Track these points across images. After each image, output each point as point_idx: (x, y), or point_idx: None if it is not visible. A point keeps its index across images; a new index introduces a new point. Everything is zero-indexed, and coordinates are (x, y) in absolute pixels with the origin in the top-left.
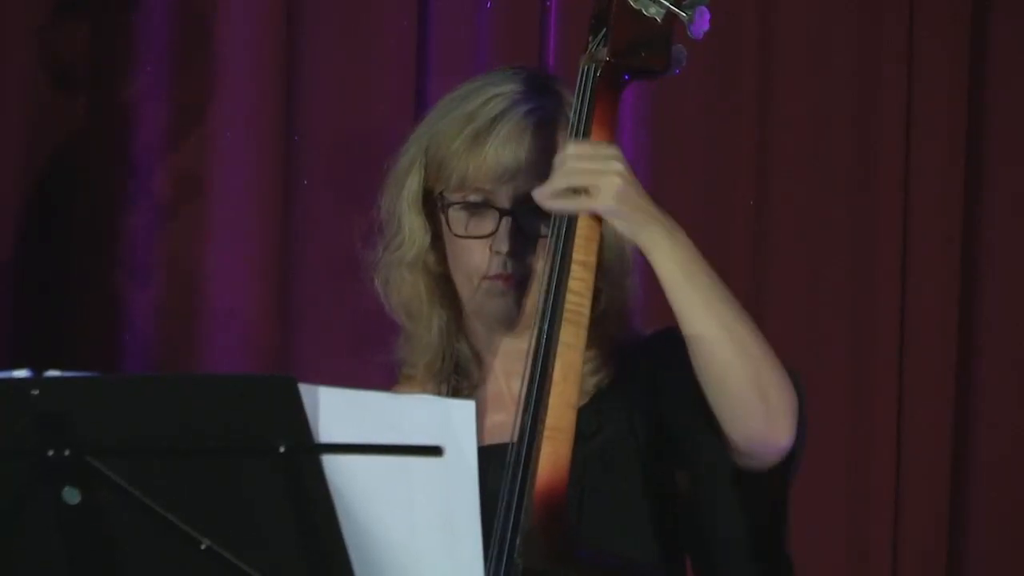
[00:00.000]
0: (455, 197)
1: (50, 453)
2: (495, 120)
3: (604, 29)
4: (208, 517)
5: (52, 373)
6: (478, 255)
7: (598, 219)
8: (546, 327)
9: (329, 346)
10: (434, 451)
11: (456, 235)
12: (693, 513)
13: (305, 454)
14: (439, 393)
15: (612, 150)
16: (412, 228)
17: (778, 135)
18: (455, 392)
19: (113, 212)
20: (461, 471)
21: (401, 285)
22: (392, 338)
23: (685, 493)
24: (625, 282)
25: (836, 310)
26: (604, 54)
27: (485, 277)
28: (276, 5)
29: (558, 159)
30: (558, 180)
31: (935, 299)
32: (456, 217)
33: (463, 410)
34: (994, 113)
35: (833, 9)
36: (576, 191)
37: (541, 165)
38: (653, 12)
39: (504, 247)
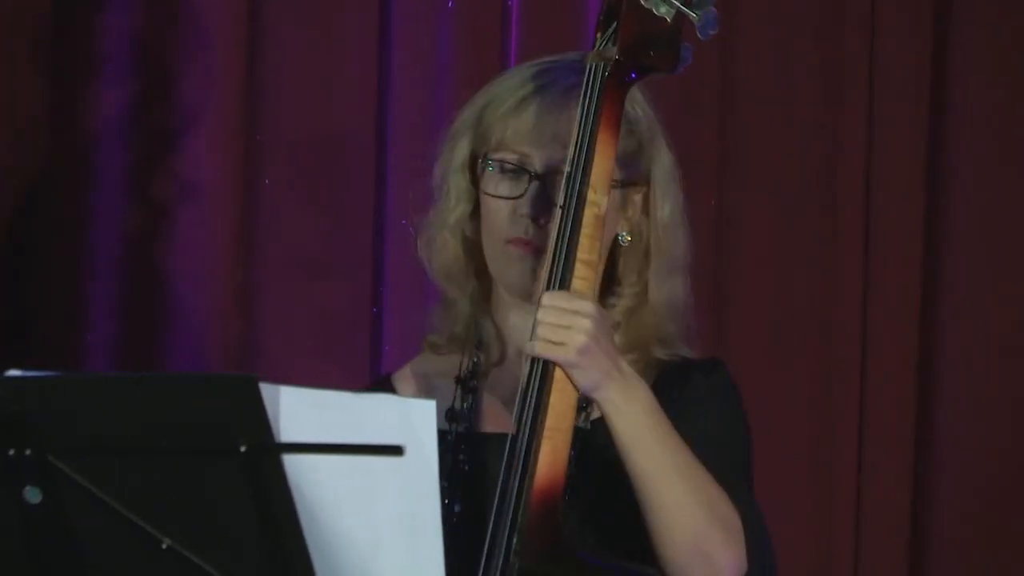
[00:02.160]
0: (494, 156)
1: (11, 452)
2: (542, 87)
3: (613, 26)
4: (169, 516)
5: (13, 372)
6: (504, 216)
7: (601, 218)
8: None
9: (291, 345)
10: (395, 450)
11: (487, 193)
12: None
13: (266, 453)
14: (459, 369)
15: (585, 305)
16: (458, 191)
17: (739, 136)
18: (474, 370)
19: (74, 211)
20: (422, 470)
21: (442, 248)
22: (354, 336)
23: None
24: (670, 280)
25: (799, 311)
26: (613, 52)
27: (507, 241)
28: (240, 5)
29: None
30: (537, 332)
31: (898, 298)
32: (490, 177)
33: (424, 409)
34: (956, 113)
35: (795, 11)
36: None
37: None
38: (663, 12)
39: (527, 209)
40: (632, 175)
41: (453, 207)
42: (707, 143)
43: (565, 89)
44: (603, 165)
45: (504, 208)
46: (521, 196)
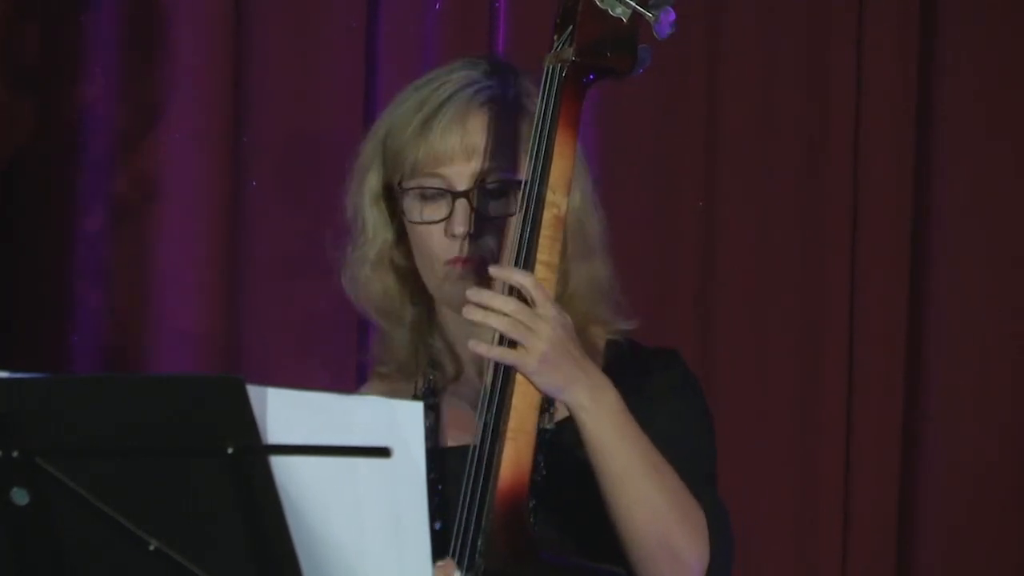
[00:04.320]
0: (410, 184)
1: None
2: (443, 103)
3: (570, 28)
4: (157, 518)
5: (0, 374)
6: (436, 241)
7: (561, 219)
8: None
9: (278, 346)
10: (382, 452)
11: (413, 222)
12: None
13: (253, 455)
14: (414, 390)
15: (549, 309)
16: (375, 224)
17: (727, 137)
18: (431, 388)
19: (61, 213)
20: (408, 472)
21: (368, 283)
22: (340, 337)
23: None
24: (588, 263)
25: (785, 311)
26: (570, 54)
27: (445, 263)
28: (226, 5)
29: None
30: (494, 321)
31: (884, 299)
32: (412, 204)
33: (410, 411)
34: (943, 113)
35: (781, 10)
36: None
37: (491, 145)
38: (619, 12)
39: (459, 229)
40: None
41: (372, 240)
42: (694, 145)
43: (467, 99)
44: (562, 166)
45: (434, 232)
46: (448, 217)
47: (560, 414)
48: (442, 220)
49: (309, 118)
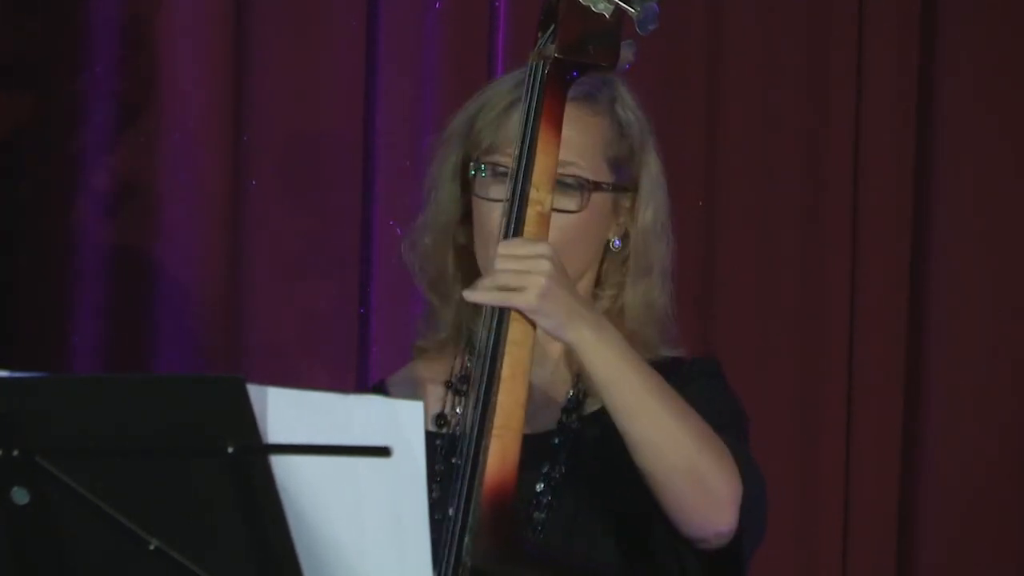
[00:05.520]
0: (485, 160)
1: None
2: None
3: (553, 25)
4: (157, 517)
5: (0, 373)
6: (495, 220)
7: (545, 216)
8: (494, 324)
9: (278, 345)
10: (382, 451)
11: (478, 196)
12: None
13: (254, 455)
14: (451, 371)
15: (541, 248)
16: (447, 196)
17: (727, 136)
18: (466, 375)
19: (61, 212)
20: (409, 471)
21: (428, 251)
22: (340, 337)
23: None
24: (643, 283)
25: (785, 311)
26: (552, 50)
27: (499, 243)
28: (226, 5)
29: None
30: (488, 280)
31: (884, 299)
32: (482, 181)
33: (411, 410)
34: (943, 116)
35: (782, 10)
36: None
37: (571, 140)
38: (602, 8)
39: None
40: (623, 180)
41: (442, 211)
42: (695, 145)
43: None
44: (545, 163)
45: (495, 210)
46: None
47: (588, 409)
48: (505, 200)
49: (309, 118)
